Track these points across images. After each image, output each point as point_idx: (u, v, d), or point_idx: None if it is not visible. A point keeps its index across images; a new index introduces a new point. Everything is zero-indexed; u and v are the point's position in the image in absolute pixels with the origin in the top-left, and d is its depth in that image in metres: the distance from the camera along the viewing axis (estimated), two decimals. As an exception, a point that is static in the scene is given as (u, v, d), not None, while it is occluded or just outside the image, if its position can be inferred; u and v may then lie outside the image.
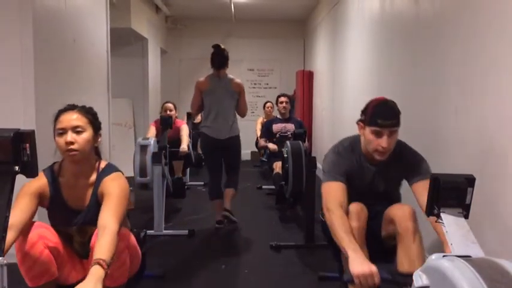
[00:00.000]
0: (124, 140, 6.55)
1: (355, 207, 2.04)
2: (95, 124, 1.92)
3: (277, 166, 4.76)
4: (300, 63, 9.03)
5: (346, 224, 1.91)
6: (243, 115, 4.04)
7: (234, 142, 3.93)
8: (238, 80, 3.93)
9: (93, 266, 1.50)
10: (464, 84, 2.39)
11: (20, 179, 1.65)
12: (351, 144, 2.21)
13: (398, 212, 2.02)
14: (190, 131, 5.56)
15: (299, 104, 8.04)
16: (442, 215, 1.43)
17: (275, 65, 9.25)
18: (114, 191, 1.81)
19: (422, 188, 1.93)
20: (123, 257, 1.83)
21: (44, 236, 1.82)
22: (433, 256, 1.20)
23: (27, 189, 1.83)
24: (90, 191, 1.91)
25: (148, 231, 2.94)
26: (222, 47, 3.87)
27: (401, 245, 1.99)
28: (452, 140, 2.51)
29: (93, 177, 1.92)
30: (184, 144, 4.93)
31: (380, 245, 2.17)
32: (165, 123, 4.19)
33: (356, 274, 1.63)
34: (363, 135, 2.12)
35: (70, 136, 1.80)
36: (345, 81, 5.43)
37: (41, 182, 1.88)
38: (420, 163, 2.11)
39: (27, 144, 1.56)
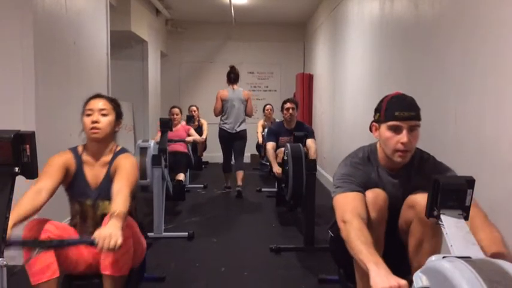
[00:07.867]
0: (124, 143, 6.37)
1: (371, 194, 1.77)
2: (117, 111, 2.14)
3: (279, 155, 4.52)
4: (300, 66, 9.04)
5: (366, 235, 1.58)
6: (250, 115, 5.61)
7: (243, 133, 5.51)
8: (246, 91, 5.63)
9: (112, 217, 1.68)
10: (464, 87, 2.39)
11: (20, 180, 1.65)
12: (367, 154, 1.92)
13: (422, 200, 1.66)
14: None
15: (299, 107, 8.03)
16: (442, 216, 1.43)
17: (275, 68, 9.25)
18: (125, 166, 2.02)
19: None
20: (128, 244, 1.87)
21: (49, 230, 1.86)
22: (433, 257, 1.21)
23: (54, 161, 2.01)
24: (105, 169, 2.10)
25: (148, 234, 2.93)
26: (236, 67, 5.44)
27: (414, 237, 1.78)
28: (452, 142, 2.51)
29: (109, 157, 2.12)
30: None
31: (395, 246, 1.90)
32: (165, 125, 4.19)
33: None
34: (378, 137, 1.84)
35: (96, 116, 2.03)
36: (345, 85, 5.44)
37: (67, 156, 2.08)
38: None
39: (28, 146, 1.57)
